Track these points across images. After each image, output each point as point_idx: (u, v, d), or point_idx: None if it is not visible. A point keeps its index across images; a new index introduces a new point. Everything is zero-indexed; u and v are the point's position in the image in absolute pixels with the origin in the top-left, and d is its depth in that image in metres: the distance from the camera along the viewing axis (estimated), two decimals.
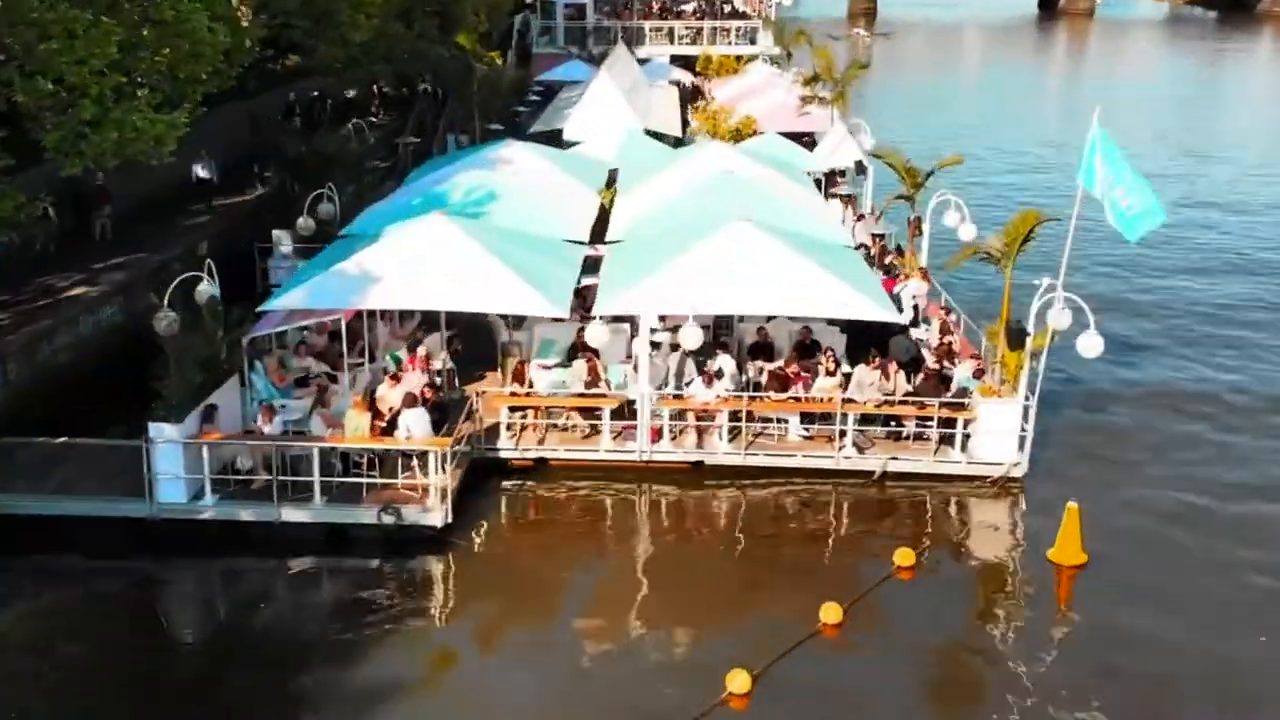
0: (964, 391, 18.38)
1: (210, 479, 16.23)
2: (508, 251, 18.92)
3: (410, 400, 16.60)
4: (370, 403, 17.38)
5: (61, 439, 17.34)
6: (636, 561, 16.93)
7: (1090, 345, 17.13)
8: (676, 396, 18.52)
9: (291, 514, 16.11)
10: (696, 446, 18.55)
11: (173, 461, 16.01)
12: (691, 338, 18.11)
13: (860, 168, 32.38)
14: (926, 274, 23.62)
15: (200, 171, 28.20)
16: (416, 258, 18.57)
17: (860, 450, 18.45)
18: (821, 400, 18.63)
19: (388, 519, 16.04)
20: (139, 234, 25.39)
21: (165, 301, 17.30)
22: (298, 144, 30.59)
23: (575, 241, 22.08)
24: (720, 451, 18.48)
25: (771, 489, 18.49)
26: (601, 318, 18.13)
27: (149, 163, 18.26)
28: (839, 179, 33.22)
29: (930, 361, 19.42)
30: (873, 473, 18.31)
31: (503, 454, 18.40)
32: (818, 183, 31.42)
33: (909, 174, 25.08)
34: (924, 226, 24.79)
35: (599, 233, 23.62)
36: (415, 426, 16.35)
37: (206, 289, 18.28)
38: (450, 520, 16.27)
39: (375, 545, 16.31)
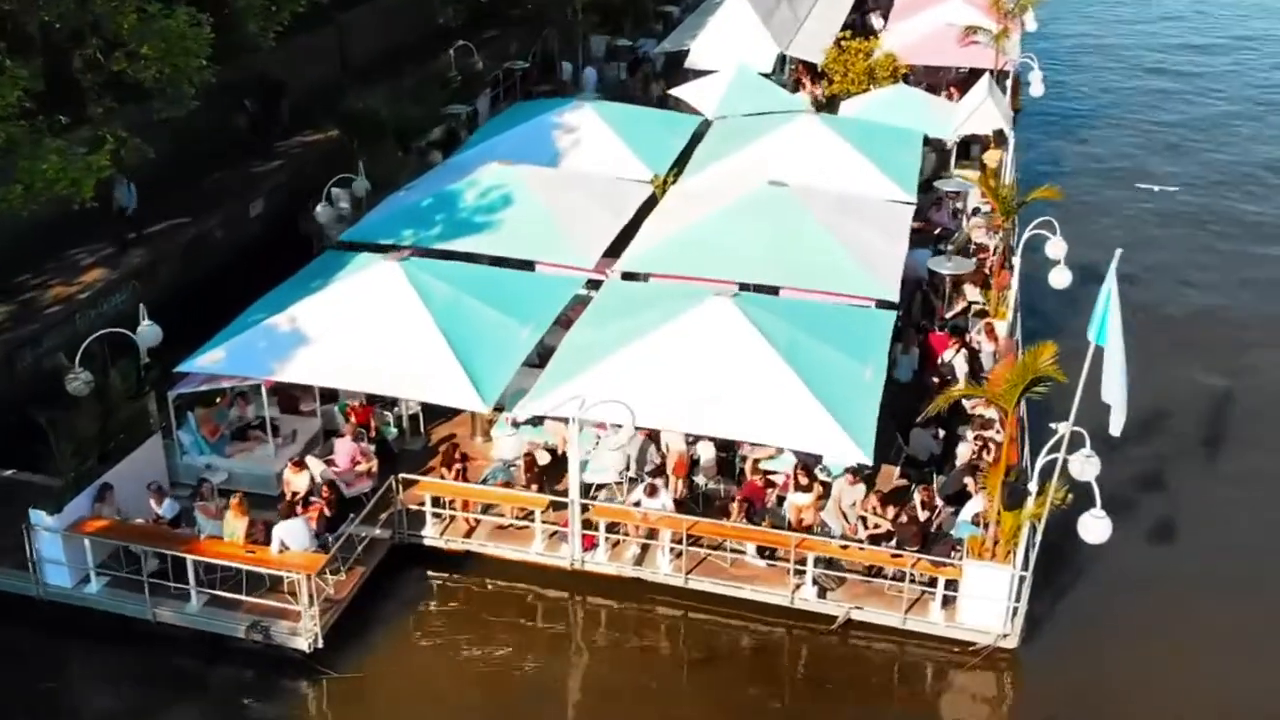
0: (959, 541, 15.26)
1: (95, 569, 15.48)
2: (459, 320, 16.82)
3: (288, 509, 15.14)
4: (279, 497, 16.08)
5: None
6: (551, 690, 15.25)
7: (1093, 530, 13.62)
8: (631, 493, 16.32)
9: (166, 614, 15.21)
10: (636, 562, 16.33)
11: (54, 549, 15.34)
12: (624, 435, 15.75)
13: (1001, 137, 27.67)
14: (993, 332, 19.77)
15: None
16: (352, 322, 16.79)
17: (823, 592, 15.72)
18: (789, 521, 15.98)
19: (255, 636, 14.89)
20: None
21: (77, 360, 16.37)
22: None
23: (574, 268, 19.78)
24: (661, 571, 16.18)
25: (719, 616, 16.15)
26: (515, 423, 15.83)
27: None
28: (983, 145, 28.51)
29: (920, 497, 16.06)
30: (834, 619, 15.62)
31: (426, 542, 16.82)
32: (960, 146, 27.28)
33: (1000, 200, 20.81)
34: (1015, 262, 20.72)
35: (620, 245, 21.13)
36: (291, 540, 14.91)
37: (147, 331, 17.24)
38: (320, 645, 14.88)
39: (253, 657, 15.25)
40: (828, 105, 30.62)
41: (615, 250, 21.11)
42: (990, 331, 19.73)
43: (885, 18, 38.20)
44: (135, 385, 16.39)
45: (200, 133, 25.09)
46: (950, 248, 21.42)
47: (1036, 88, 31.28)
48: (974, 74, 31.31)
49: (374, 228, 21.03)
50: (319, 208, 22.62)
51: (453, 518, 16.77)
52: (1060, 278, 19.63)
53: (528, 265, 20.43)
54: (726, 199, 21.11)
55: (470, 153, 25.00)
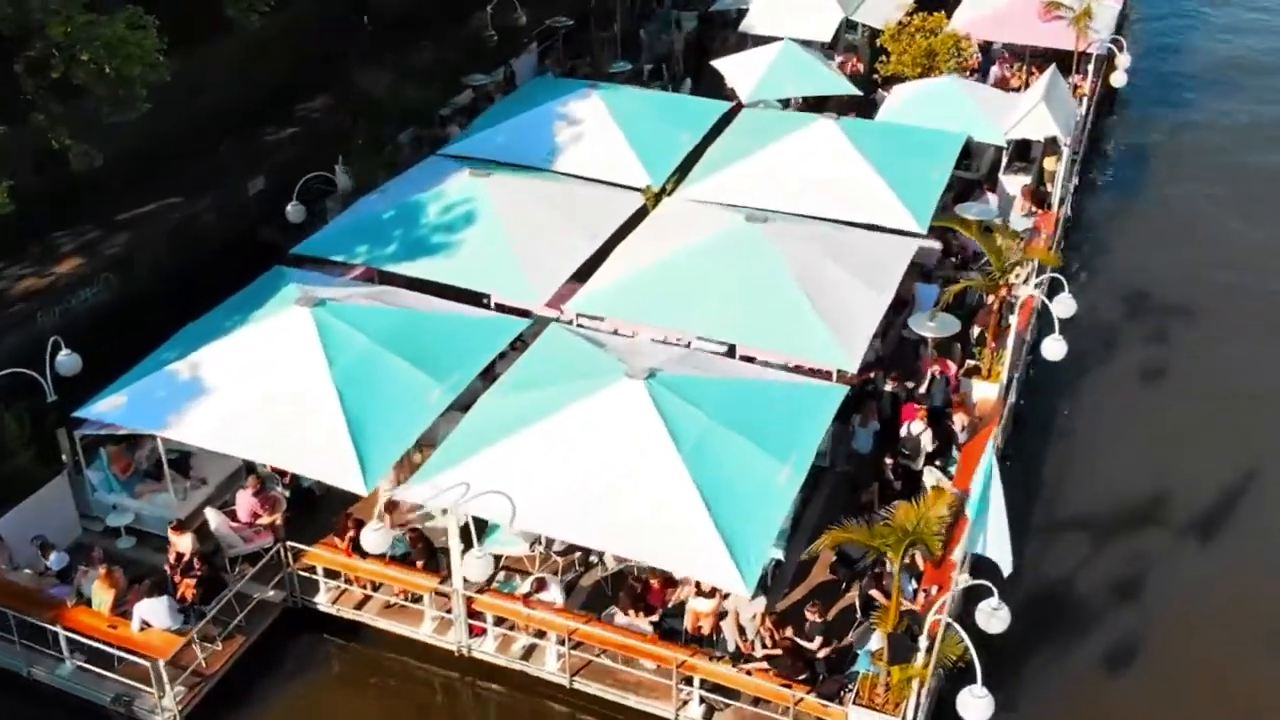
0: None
1: None
2: (364, 381, 15.82)
3: (153, 586, 14.66)
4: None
5: None
6: None
7: (973, 709, 12.05)
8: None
9: (40, 673, 15.07)
10: (524, 656, 15.40)
11: None
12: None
13: (1053, 145, 24.87)
14: (962, 405, 17.79)
15: None
16: (252, 376, 15.98)
17: (710, 713, 14.55)
18: (686, 628, 14.80)
19: (118, 709, 14.63)
20: None
21: None
22: None
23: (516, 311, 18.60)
24: (546, 669, 15.24)
25: (608, 717, 15.22)
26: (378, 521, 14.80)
27: None
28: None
29: (810, 617, 14.58)
30: None
31: (319, 607, 16.22)
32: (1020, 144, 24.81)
33: (995, 254, 18.49)
34: (1012, 320, 18.53)
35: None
36: (153, 618, 14.47)
37: (65, 361, 16.83)
38: None
39: None
40: (883, 85, 28.13)
41: (589, 271, 19.84)
42: (959, 404, 17.79)
43: None
44: (29, 432, 16.05)
45: (209, 102, 24.58)
46: (935, 308, 19.17)
47: (1119, 76, 28.07)
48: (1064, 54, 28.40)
49: (328, 241, 20.11)
50: (290, 207, 21.70)
51: (343, 590, 16.13)
52: (1054, 349, 17.50)
53: (480, 297, 19.39)
54: (699, 234, 19.43)
55: (463, 143, 23.78)
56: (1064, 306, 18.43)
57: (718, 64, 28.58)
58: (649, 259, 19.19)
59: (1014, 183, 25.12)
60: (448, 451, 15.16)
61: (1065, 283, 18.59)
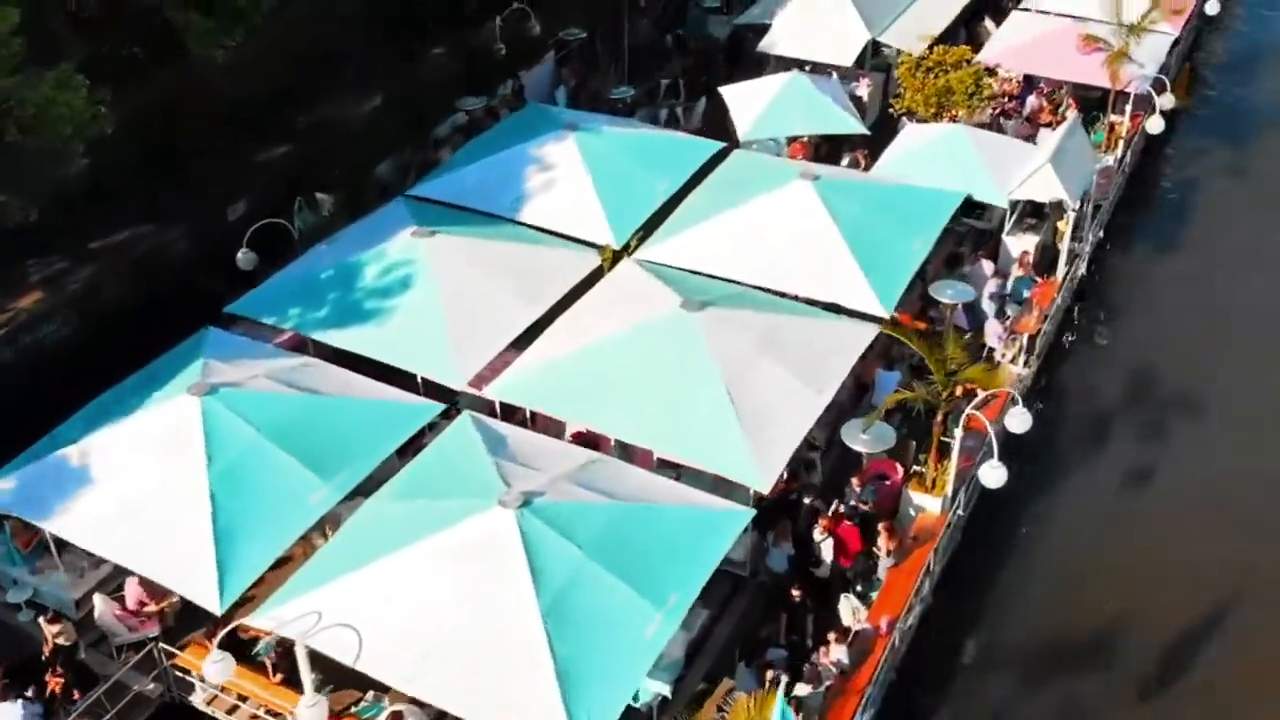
0: None
1: None
2: (242, 482, 15.33)
3: (5, 689, 14.48)
4: None
5: None
6: None
7: None
8: None
9: None
10: None
11: None
12: None
13: (1059, 209, 23.00)
14: (891, 530, 16.52)
15: None
16: (133, 470, 15.63)
17: None
18: None
19: None
20: None
21: None
22: None
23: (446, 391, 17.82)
24: None
25: None
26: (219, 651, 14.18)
27: None
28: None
29: None
30: None
31: (197, 705, 15.95)
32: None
33: (937, 365, 17.00)
34: (956, 434, 17.11)
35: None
36: None
37: None
38: None
39: None
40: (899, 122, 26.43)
41: (531, 339, 19.04)
42: (889, 530, 16.55)
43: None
44: None
45: (185, 120, 24.10)
46: (876, 413, 17.76)
47: (1155, 122, 25.84)
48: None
49: (262, 300, 19.61)
50: (240, 254, 21.22)
51: (214, 694, 15.82)
52: (992, 476, 16.14)
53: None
54: (634, 316, 18.41)
55: (431, 185, 23.04)
56: (1018, 421, 17.07)
57: (724, 91, 27.13)
58: (578, 342, 18.26)
59: (1020, 243, 23.39)
60: (307, 574, 14.59)
61: (1019, 398, 17.19)
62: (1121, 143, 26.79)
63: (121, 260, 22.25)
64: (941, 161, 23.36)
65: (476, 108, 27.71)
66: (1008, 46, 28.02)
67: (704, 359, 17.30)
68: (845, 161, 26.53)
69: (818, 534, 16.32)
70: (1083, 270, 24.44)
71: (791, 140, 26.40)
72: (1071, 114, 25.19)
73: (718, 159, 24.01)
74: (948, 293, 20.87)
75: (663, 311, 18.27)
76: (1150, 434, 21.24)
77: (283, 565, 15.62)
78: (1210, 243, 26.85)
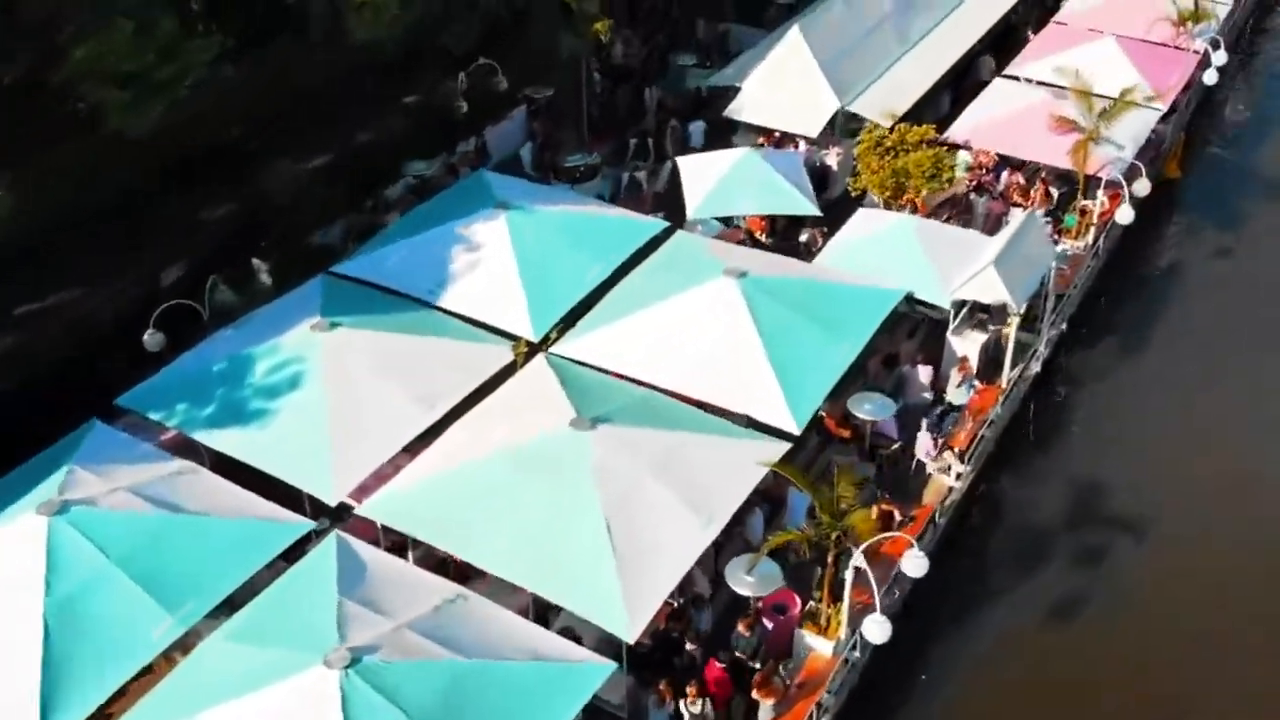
0: None
1: None
2: (79, 612, 14.57)
3: None
4: None
5: None
6: None
7: None
8: None
9: None
10: None
11: None
12: None
13: (1001, 314, 21.78)
14: (766, 683, 15.48)
15: None
16: None
17: None
18: None
19: None
20: None
21: None
22: None
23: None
24: None
25: None
26: None
27: None
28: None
29: None
30: None
31: None
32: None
33: (824, 505, 15.94)
34: (845, 595, 16.01)
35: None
36: None
37: None
38: None
39: None
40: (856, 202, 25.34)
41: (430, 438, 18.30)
42: (762, 683, 15.54)
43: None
44: None
45: (122, 178, 23.46)
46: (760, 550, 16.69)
47: (1124, 212, 24.50)
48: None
49: (151, 393, 18.96)
50: (147, 335, 20.61)
51: None
52: (876, 631, 15.13)
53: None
54: (528, 430, 17.57)
55: (355, 263, 22.32)
56: (914, 565, 16.04)
57: (681, 163, 26.18)
58: (463, 456, 17.44)
59: (966, 343, 22.23)
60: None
61: (914, 543, 16.14)
62: (1093, 229, 25.51)
63: (19, 335, 21.70)
64: (887, 253, 22.32)
65: (424, 172, 26.92)
66: (977, 123, 26.82)
67: (587, 487, 16.37)
68: (804, 237, 25.65)
69: (685, 704, 15.33)
70: (1037, 369, 23.23)
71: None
72: (1040, 196, 23.87)
73: (663, 237, 23.19)
74: (865, 407, 19.81)
75: (555, 427, 17.37)
76: (1087, 564, 20.00)
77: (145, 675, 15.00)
78: (1189, 339, 25.40)
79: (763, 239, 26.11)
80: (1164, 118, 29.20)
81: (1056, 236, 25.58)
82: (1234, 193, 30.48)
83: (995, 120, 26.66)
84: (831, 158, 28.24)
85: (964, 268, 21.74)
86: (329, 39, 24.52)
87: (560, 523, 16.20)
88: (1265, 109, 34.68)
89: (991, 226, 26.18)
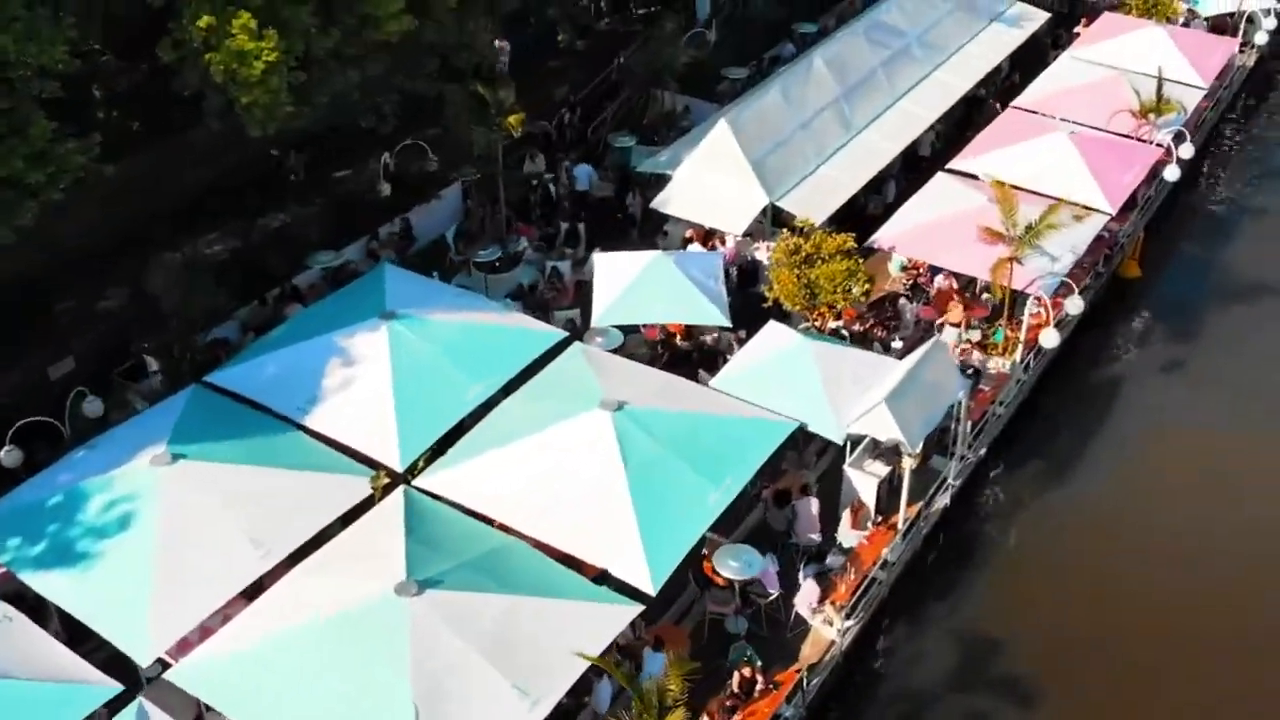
0: None
1: None
2: None
3: None
4: None
5: None
6: None
7: None
8: None
9: None
10: None
11: None
12: None
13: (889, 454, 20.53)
14: None
15: None
16: None
17: None
18: None
19: None
20: None
21: None
22: None
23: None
24: None
25: None
26: None
27: None
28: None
29: None
30: None
31: None
32: None
33: (644, 700, 14.76)
34: None
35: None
36: None
37: None
38: None
39: None
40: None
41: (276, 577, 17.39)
42: None
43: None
44: None
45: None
46: None
47: (1049, 336, 23.17)
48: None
49: None
50: (3, 453, 19.78)
51: None
52: None
53: None
54: (350, 593, 16.56)
55: (231, 372, 21.44)
56: None
57: (596, 260, 25.15)
58: (282, 622, 16.45)
59: (863, 479, 21.02)
60: None
61: None
62: (1021, 347, 24.18)
63: None
64: (786, 377, 21.23)
65: (330, 263, 26.02)
66: (905, 228, 25.54)
67: (400, 667, 15.33)
68: (710, 339, 24.73)
69: None
70: (945, 502, 21.96)
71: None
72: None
73: (563, 346, 22.22)
74: (731, 564, 18.65)
75: (380, 593, 16.29)
76: None
77: None
78: (1126, 466, 23.96)
79: (678, 340, 25.13)
80: (1122, 213, 27.95)
81: (980, 354, 24.34)
82: (1195, 294, 28.99)
83: (926, 225, 25.36)
84: (762, 252, 27.12)
85: (864, 396, 20.55)
86: (227, 132, 23.80)
87: (368, 703, 15.21)
88: (1237, 204, 33.01)
89: (920, 335, 25.07)
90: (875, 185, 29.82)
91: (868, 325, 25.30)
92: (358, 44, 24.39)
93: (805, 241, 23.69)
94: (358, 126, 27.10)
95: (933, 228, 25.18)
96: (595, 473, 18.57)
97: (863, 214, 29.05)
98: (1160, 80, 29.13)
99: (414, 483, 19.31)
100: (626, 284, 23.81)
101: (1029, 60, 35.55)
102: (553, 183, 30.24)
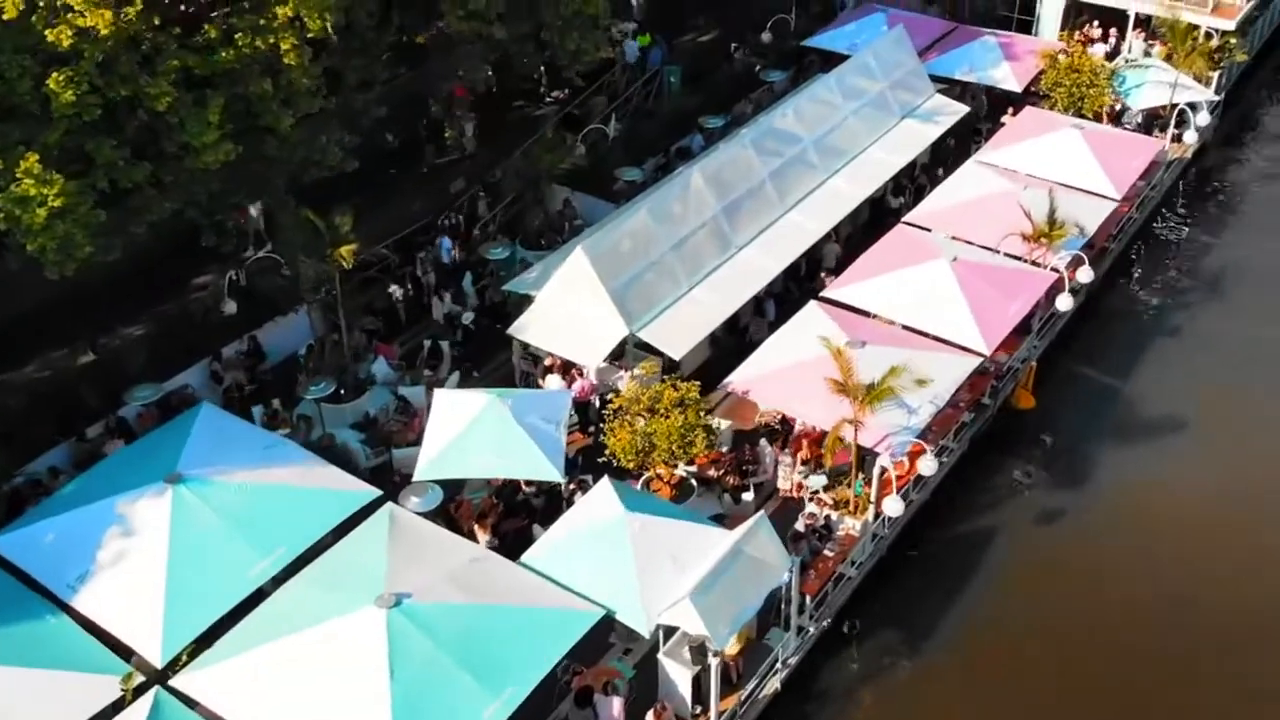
0: None
1: None
2: None
3: None
4: None
5: None
6: None
7: None
8: None
9: None
10: None
11: None
12: None
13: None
14: None
15: None
16: None
17: None
18: None
19: None
20: None
21: None
22: None
23: None
24: None
25: None
26: None
27: None
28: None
29: None
30: None
31: None
32: None
33: None
34: None
35: None
36: None
37: None
38: None
39: None
40: None
41: None
42: None
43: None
44: None
45: None
46: None
47: (892, 504, 21.52)
48: None
49: None
50: None
51: None
52: None
53: None
54: None
55: (13, 535, 20.04)
56: None
57: (436, 397, 23.58)
58: None
59: (680, 672, 19.42)
60: None
61: None
62: (872, 508, 22.56)
63: None
64: (600, 556, 19.59)
65: (150, 398, 24.53)
66: (759, 375, 23.93)
67: None
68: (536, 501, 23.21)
69: None
70: (776, 686, 20.34)
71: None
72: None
73: (374, 507, 20.75)
74: None
75: None
76: None
77: None
78: (991, 628, 22.37)
79: (523, 484, 23.58)
80: (1016, 336, 26.46)
81: (832, 511, 22.77)
82: (1085, 432, 27.27)
83: (781, 369, 23.75)
84: (623, 383, 25.59)
85: (680, 579, 18.96)
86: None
87: None
88: (1154, 316, 31.30)
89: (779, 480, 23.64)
90: (756, 306, 28.36)
91: (720, 472, 23.73)
92: (177, 170, 23.17)
93: (645, 391, 22.19)
94: (193, 246, 25.74)
95: (791, 371, 23.54)
96: (358, 687, 17.01)
97: (744, 339, 27.67)
98: (1052, 207, 27.49)
99: (173, 681, 17.81)
100: (459, 430, 22.33)
101: (961, 149, 34.32)
102: (400, 303, 28.53)
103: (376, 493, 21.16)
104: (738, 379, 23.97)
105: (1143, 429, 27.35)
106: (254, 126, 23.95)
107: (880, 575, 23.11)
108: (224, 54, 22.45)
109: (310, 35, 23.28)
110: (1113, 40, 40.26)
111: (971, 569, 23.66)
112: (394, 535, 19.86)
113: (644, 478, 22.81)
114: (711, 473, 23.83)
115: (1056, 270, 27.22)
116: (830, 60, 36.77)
